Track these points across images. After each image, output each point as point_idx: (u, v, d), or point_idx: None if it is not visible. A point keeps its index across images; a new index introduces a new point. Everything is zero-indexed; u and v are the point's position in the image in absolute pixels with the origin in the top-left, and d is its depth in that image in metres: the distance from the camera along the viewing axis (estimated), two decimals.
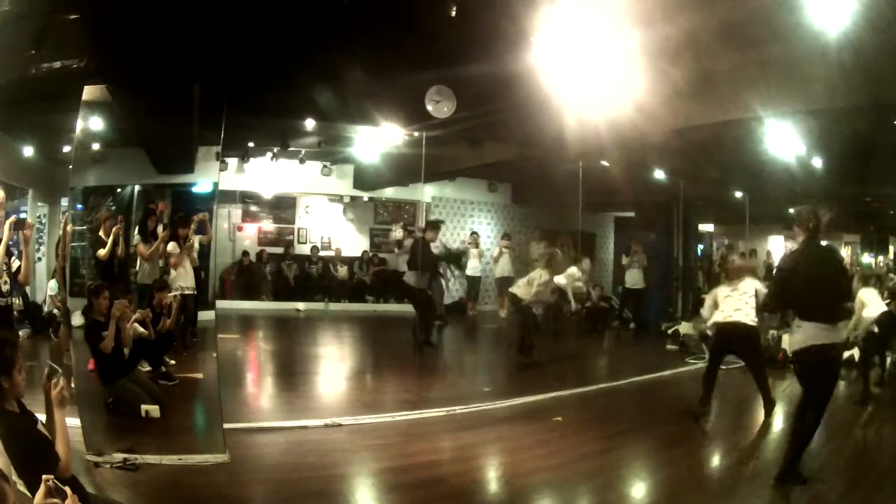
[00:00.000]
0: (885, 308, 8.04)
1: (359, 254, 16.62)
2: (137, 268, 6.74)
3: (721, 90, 7.19)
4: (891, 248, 16.98)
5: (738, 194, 13.76)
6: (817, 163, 10.23)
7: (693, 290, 15.32)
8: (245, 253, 15.63)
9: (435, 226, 11.01)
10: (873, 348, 8.09)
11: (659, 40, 6.17)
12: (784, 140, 8.83)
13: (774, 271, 4.97)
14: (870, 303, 7.95)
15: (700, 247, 16.36)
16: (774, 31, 5.94)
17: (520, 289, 8.98)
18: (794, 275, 4.87)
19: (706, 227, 16.64)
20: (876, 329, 7.89)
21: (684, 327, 11.62)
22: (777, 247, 16.83)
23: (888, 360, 8.69)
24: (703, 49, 6.46)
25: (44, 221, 11.84)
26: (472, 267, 14.96)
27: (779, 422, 6.81)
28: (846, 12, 5.25)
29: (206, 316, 6.91)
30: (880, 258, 17.27)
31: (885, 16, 5.18)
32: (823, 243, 4.98)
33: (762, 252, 16.09)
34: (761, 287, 6.83)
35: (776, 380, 8.59)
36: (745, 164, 10.61)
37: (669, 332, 11.81)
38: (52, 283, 10.21)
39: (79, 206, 6.56)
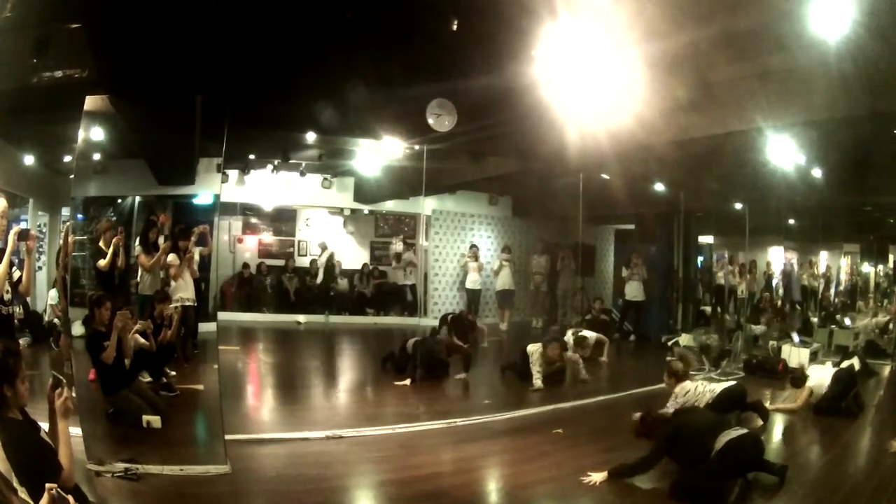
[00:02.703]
0: (831, 373, 7.71)
1: (359, 266, 16.63)
2: (139, 279, 6.75)
3: (721, 102, 7.22)
4: (890, 258, 16.94)
5: (738, 206, 13.78)
6: (817, 173, 10.26)
7: (693, 303, 15.29)
8: (245, 265, 15.64)
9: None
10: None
11: (659, 52, 6.21)
12: (784, 151, 8.85)
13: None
14: (815, 381, 7.69)
15: (700, 259, 16.33)
16: (774, 41, 5.97)
17: (532, 354, 9.23)
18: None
19: (706, 239, 16.61)
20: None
21: (684, 339, 11.61)
22: (776, 258, 16.80)
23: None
24: (703, 60, 6.50)
25: (44, 231, 11.83)
26: (473, 280, 14.95)
27: (777, 432, 6.83)
28: (846, 21, 5.27)
29: (206, 327, 6.90)
30: (880, 267, 17.24)
31: (886, 24, 5.19)
32: None
33: (762, 263, 16.05)
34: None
35: (776, 390, 8.61)
36: (744, 175, 10.63)
37: (670, 344, 11.78)
38: (53, 293, 10.19)
39: (80, 216, 6.56)
